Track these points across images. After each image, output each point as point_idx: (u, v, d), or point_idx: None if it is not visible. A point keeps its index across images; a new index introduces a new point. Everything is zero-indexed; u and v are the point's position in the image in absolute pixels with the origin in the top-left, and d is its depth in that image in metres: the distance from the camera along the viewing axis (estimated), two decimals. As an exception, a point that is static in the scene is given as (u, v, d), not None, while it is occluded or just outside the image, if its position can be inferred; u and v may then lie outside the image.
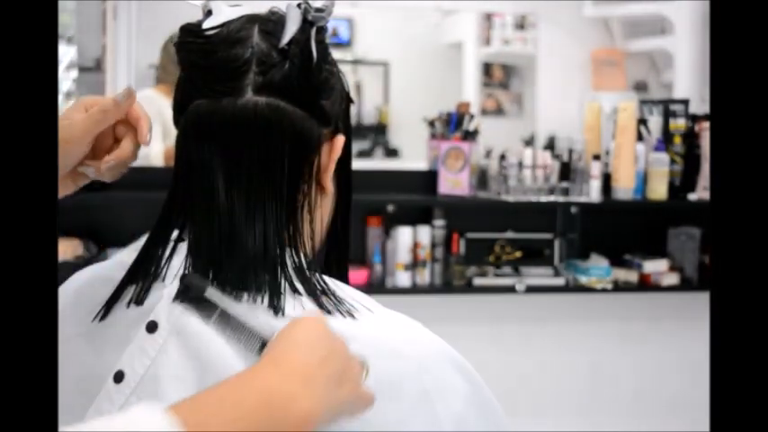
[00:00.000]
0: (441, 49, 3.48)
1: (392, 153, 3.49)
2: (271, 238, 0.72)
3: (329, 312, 0.72)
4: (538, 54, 3.37)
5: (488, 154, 2.58)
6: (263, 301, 0.70)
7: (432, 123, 2.51)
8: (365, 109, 3.45)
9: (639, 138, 2.44)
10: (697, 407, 2.55)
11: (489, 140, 2.68)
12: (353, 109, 0.77)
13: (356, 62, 3.39)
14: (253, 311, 0.70)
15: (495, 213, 2.52)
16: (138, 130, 0.78)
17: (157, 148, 2.48)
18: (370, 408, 0.64)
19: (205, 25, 0.74)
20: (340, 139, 0.78)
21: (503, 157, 2.42)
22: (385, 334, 0.73)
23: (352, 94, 0.82)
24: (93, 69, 2.80)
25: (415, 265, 2.37)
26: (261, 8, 0.77)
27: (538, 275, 2.45)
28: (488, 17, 3.41)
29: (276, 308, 0.70)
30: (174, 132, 0.76)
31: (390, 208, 2.40)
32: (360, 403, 0.63)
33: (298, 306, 0.71)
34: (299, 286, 0.73)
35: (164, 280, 0.74)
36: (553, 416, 2.61)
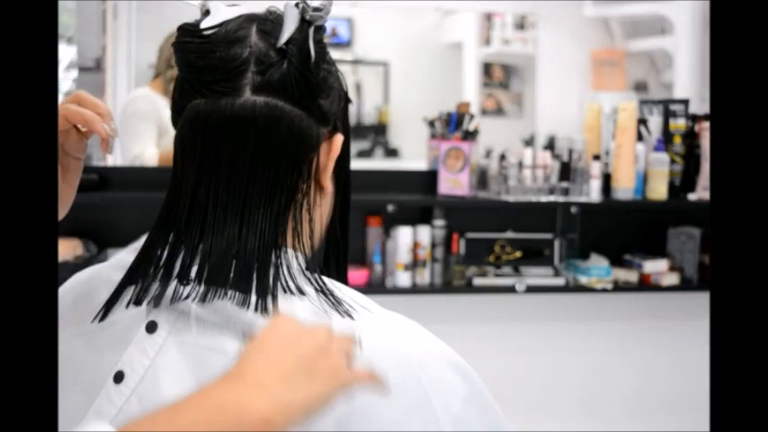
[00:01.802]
0: (441, 49, 3.48)
1: (392, 153, 3.49)
2: (269, 238, 0.72)
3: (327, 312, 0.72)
4: (538, 54, 3.37)
5: (488, 154, 2.58)
6: (260, 299, 0.70)
7: (432, 123, 2.51)
8: (365, 109, 3.44)
9: (639, 138, 2.44)
10: (697, 407, 2.56)
11: (489, 140, 2.68)
12: (352, 109, 0.77)
13: (356, 62, 3.39)
14: (246, 311, 0.70)
15: (495, 213, 2.52)
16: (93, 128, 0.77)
17: (151, 151, 2.47)
18: (361, 388, 0.63)
19: (203, 25, 0.73)
20: (339, 139, 0.78)
21: (503, 157, 2.42)
22: (383, 334, 0.73)
23: (352, 94, 0.82)
24: (93, 69, 2.80)
25: (415, 265, 2.37)
26: (259, 8, 0.77)
27: (538, 275, 2.45)
28: (488, 17, 3.41)
29: (266, 309, 0.70)
30: (171, 131, 0.76)
31: (390, 208, 2.40)
32: (343, 388, 0.62)
33: (296, 306, 0.71)
34: (297, 286, 0.73)
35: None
36: (553, 416, 2.61)
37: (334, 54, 0.79)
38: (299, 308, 0.71)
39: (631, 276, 2.48)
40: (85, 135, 0.78)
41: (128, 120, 2.60)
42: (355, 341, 0.65)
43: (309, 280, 0.75)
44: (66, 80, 2.72)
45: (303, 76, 0.72)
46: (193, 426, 0.55)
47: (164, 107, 2.53)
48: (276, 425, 0.57)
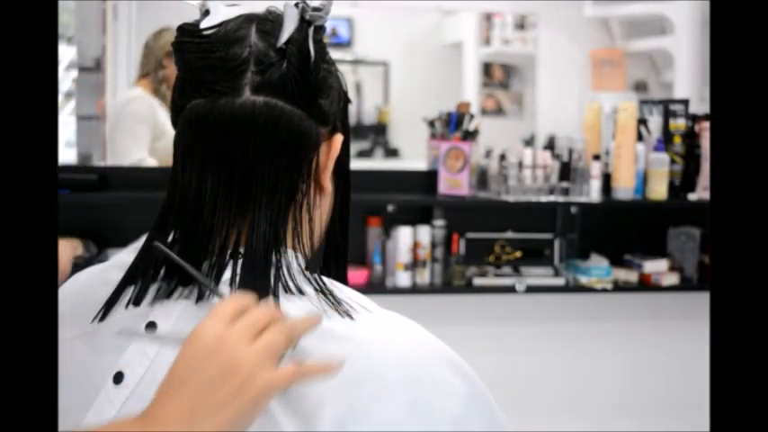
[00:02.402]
0: (441, 49, 3.48)
1: (392, 153, 3.48)
2: (269, 239, 0.72)
3: (326, 312, 0.72)
4: (538, 54, 3.36)
5: (488, 154, 2.58)
6: (260, 300, 0.70)
7: (432, 123, 2.50)
8: (365, 109, 3.44)
9: (639, 138, 2.44)
10: (697, 407, 2.55)
11: (489, 140, 2.68)
12: (352, 108, 0.77)
13: (356, 62, 3.39)
14: None
15: (495, 213, 2.52)
16: None
17: (150, 161, 2.46)
18: (297, 383, 0.62)
19: (202, 25, 0.73)
20: (338, 139, 0.78)
21: (503, 157, 2.42)
22: (383, 335, 0.73)
23: (352, 94, 0.82)
24: (93, 69, 2.79)
25: (415, 265, 2.37)
26: (258, 8, 0.77)
27: (538, 275, 2.45)
28: (488, 17, 3.41)
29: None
30: (167, 133, 0.77)
31: (390, 208, 2.40)
32: (258, 400, 0.60)
33: (295, 306, 0.71)
34: (297, 286, 0.73)
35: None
36: (552, 416, 2.61)
37: (334, 54, 0.79)
38: (299, 308, 0.71)
39: (631, 276, 2.48)
40: None
41: (125, 121, 2.59)
42: (288, 321, 0.63)
43: (309, 280, 0.75)
44: (66, 80, 2.72)
45: (303, 75, 0.72)
46: None
47: (158, 107, 2.53)
48: None
